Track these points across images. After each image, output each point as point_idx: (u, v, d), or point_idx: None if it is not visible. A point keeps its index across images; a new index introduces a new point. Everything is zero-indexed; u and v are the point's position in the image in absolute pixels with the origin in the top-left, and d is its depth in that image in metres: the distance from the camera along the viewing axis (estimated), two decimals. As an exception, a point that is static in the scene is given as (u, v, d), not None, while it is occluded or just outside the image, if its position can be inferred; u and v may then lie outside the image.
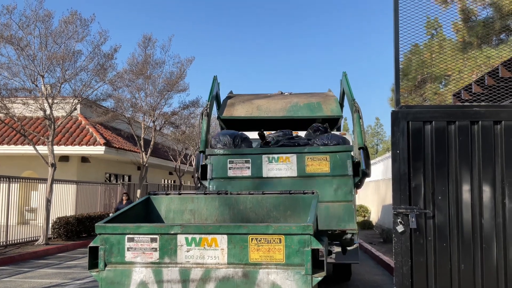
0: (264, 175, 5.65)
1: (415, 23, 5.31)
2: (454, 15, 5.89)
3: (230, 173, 5.78)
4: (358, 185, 7.92)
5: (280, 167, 5.68)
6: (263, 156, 5.77)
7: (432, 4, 5.45)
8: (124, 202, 14.30)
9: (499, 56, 6.23)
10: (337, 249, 7.34)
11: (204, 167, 5.87)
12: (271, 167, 5.69)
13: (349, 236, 5.60)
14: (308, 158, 5.69)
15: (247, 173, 5.70)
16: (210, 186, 5.76)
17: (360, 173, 5.72)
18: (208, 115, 6.62)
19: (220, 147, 6.19)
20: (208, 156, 5.82)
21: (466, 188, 4.98)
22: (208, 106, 7.06)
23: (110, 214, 14.38)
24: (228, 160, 5.79)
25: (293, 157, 5.70)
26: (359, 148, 6.01)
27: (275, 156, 5.72)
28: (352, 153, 5.89)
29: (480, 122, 5.01)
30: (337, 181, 5.60)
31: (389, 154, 14.06)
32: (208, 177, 5.82)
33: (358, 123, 6.13)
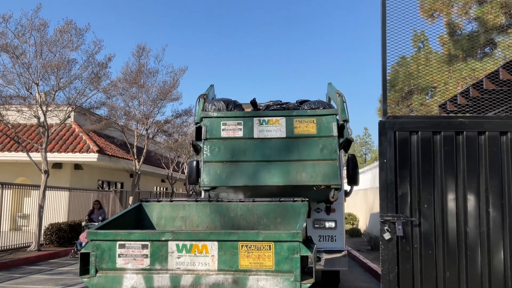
0: (255, 135, 5.94)
1: (402, 36, 5.45)
2: (440, 29, 6.05)
3: (223, 134, 6.04)
4: (346, 193, 8.07)
5: (270, 128, 5.97)
6: (254, 118, 6.05)
7: (419, 17, 5.61)
8: (96, 210, 14.36)
9: (484, 69, 6.39)
10: (326, 256, 7.44)
11: (199, 129, 6.15)
12: (262, 129, 5.98)
13: (332, 193, 5.84)
14: (296, 121, 5.98)
15: (239, 134, 5.98)
16: (204, 146, 5.99)
17: (344, 135, 6.01)
18: (205, 99, 6.80)
19: (215, 110, 6.46)
20: (203, 119, 6.08)
21: (451, 197, 5.11)
22: (204, 94, 7.11)
23: (83, 223, 14.19)
24: (222, 122, 6.06)
25: (282, 120, 5.99)
26: (343, 121, 6.29)
27: (266, 118, 6.01)
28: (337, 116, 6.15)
29: (464, 132, 5.15)
30: (323, 141, 5.88)
31: (377, 163, 14.21)
32: (202, 138, 6.06)
33: (341, 102, 6.33)
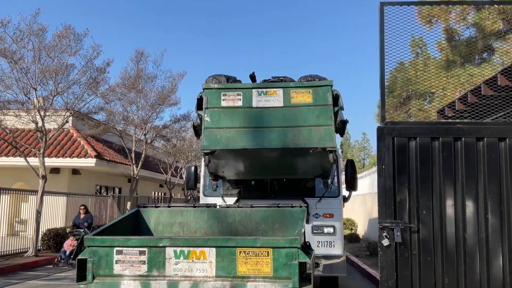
0: (254, 105, 6.19)
1: (401, 41, 5.46)
2: (438, 35, 6.06)
3: (223, 103, 6.26)
4: (345, 198, 8.07)
5: (268, 99, 6.22)
6: (253, 90, 6.29)
7: (417, 23, 5.62)
8: (82, 215, 13.73)
9: (481, 75, 6.40)
10: (324, 261, 7.41)
11: (200, 100, 6.39)
12: (260, 99, 6.23)
13: (331, 156, 6.05)
14: (293, 92, 6.22)
15: (239, 103, 6.22)
16: (205, 114, 6.22)
17: (339, 105, 6.24)
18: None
19: (216, 83, 6.72)
20: (204, 90, 6.37)
21: (449, 203, 5.09)
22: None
23: (67, 230, 13.80)
24: (222, 93, 6.29)
25: (280, 91, 6.23)
26: (341, 122, 6.74)
27: (264, 90, 6.26)
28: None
29: (463, 138, 5.14)
30: (319, 109, 6.09)
31: (375, 168, 14.22)
32: (203, 107, 6.28)
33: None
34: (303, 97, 6.20)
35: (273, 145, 6.00)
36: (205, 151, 6.11)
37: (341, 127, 6.79)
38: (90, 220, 13.69)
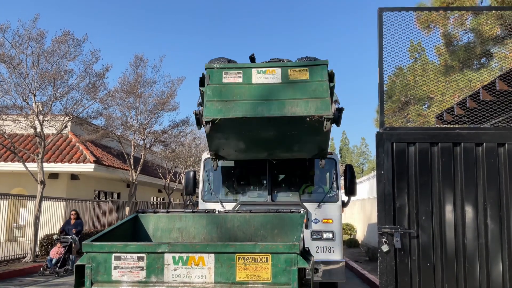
0: (254, 82, 6.55)
1: (399, 47, 5.47)
2: (437, 40, 6.07)
3: (225, 80, 6.60)
4: (344, 204, 8.06)
5: (267, 76, 6.59)
6: (253, 69, 6.65)
7: (415, 29, 5.63)
8: (73, 221, 12.84)
9: (480, 80, 6.41)
10: (323, 267, 7.39)
11: (203, 79, 6.73)
12: (259, 76, 6.58)
13: (328, 124, 6.28)
14: (290, 70, 6.59)
15: (239, 80, 6.58)
16: (207, 89, 6.49)
17: (334, 81, 6.54)
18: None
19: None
20: (206, 69, 6.69)
21: (449, 209, 5.08)
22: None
23: (54, 236, 13.09)
24: (223, 72, 6.65)
25: (278, 70, 6.60)
26: (337, 110, 7.19)
27: (263, 69, 6.62)
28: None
29: (462, 144, 5.14)
30: (315, 84, 6.41)
31: (374, 173, 14.22)
32: (205, 83, 6.58)
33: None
34: (300, 74, 6.54)
35: (272, 113, 6.26)
36: (206, 120, 6.29)
37: (337, 116, 7.12)
38: (79, 227, 12.91)
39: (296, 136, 6.85)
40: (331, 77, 6.52)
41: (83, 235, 15.19)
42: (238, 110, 6.31)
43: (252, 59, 7.39)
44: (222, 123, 6.37)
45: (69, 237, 12.23)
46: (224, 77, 6.61)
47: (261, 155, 7.87)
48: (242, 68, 6.70)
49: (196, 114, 7.17)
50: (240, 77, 6.62)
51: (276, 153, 7.76)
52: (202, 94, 6.74)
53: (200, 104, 6.74)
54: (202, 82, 6.73)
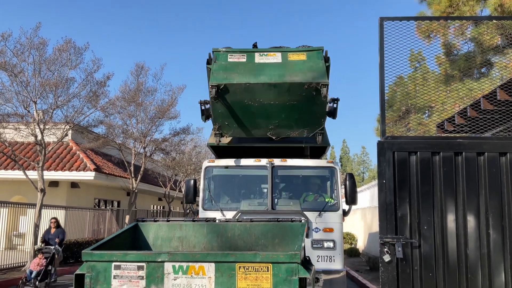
0: (256, 61, 7.29)
1: (400, 56, 5.48)
2: (437, 49, 6.09)
3: (230, 60, 7.35)
4: (344, 212, 8.04)
5: (268, 58, 7.40)
6: (255, 53, 7.45)
7: (416, 38, 5.64)
8: (53, 230, 11.88)
9: (481, 89, 6.41)
10: (324, 276, 7.34)
11: (210, 60, 7.54)
12: (261, 58, 7.38)
13: (324, 90, 6.92)
14: (289, 54, 7.41)
15: (243, 60, 7.35)
16: (214, 66, 7.24)
17: (329, 61, 7.33)
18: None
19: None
20: (214, 52, 7.48)
21: (451, 218, 5.06)
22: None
23: (35, 246, 12.21)
24: (229, 54, 7.41)
25: (279, 54, 7.43)
26: (332, 100, 8.06)
27: (265, 53, 7.47)
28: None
29: (463, 153, 5.13)
30: (312, 62, 7.26)
31: (375, 182, 14.21)
32: (212, 62, 7.36)
33: None
34: (298, 56, 7.41)
35: (273, 80, 6.99)
36: (212, 84, 6.96)
37: (333, 108, 7.98)
38: (61, 236, 11.94)
39: (295, 107, 7.33)
40: (326, 59, 7.31)
41: (72, 244, 15.09)
42: (241, 79, 7.02)
43: (255, 46, 8.11)
44: (226, 89, 7.01)
45: (52, 247, 11.27)
46: (229, 58, 7.37)
47: (262, 131, 8.01)
48: (246, 51, 7.50)
49: (201, 104, 8.07)
50: (244, 58, 7.39)
51: (276, 129, 7.87)
52: (208, 71, 7.45)
53: (207, 69, 7.48)
54: (209, 62, 7.49)
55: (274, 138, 8.00)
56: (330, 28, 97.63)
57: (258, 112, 7.43)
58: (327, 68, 7.18)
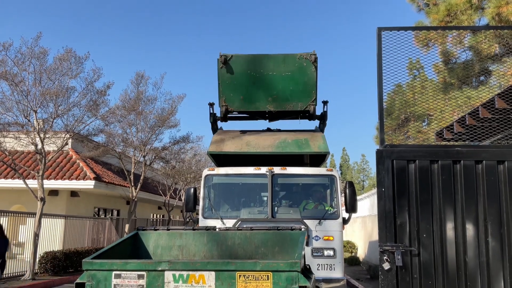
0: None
1: (398, 64, 5.52)
2: (435, 57, 6.13)
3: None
4: (344, 220, 8.04)
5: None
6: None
7: (414, 47, 5.69)
8: None
9: (479, 97, 6.45)
10: (325, 285, 7.33)
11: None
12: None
13: (313, 57, 8.33)
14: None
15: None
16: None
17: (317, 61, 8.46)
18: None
19: None
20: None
21: (450, 226, 5.07)
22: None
23: None
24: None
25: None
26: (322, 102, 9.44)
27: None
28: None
29: (462, 161, 5.15)
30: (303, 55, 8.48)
31: (375, 190, 14.19)
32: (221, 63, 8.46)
33: None
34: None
35: (271, 55, 8.41)
36: (222, 54, 8.30)
37: (322, 113, 9.26)
38: (3, 249, 10.77)
39: (289, 78, 8.44)
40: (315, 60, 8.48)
41: (72, 253, 14.94)
42: (246, 55, 8.47)
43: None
44: (232, 59, 8.33)
45: None
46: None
47: (263, 104, 8.79)
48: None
49: (210, 106, 9.22)
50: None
51: (275, 102, 8.71)
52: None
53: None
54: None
55: (272, 110, 8.87)
56: (329, 38, 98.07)
57: (259, 83, 8.50)
58: (315, 69, 8.46)
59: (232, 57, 8.37)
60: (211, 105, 9.24)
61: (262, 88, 8.54)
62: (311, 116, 9.19)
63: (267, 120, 9.62)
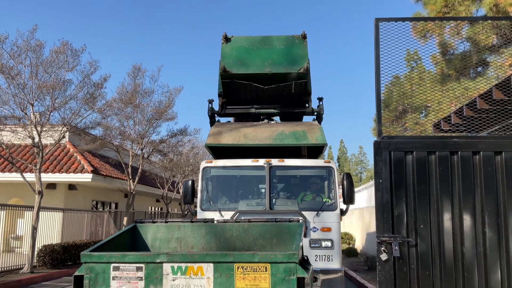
0: None
1: (396, 56, 5.50)
2: (433, 49, 6.12)
3: None
4: (342, 212, 8.07)
5: None
6: None
7: (412, 38, 5.67)
8: None
9: (476, 88, 6.45)
10: (322, 276, 7.37)
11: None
12: None
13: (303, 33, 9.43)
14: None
15: None
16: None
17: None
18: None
19: None
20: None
21: (447, 217, 5.09)
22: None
23: None
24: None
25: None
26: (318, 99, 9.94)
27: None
28: None
29: (459, 152, 5.16)
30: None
31: (372, 182, 14.23)
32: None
33: None
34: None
35: (268, 36, 9.45)
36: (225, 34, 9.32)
37: (318, 110, 9.73)
38: None
39: (284, 49, 9.29)
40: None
41: (70, 246, 15.03)
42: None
43: None
44: (234, 39, 9.37)
45: None
46: None
47: (260, 67, 9.26)
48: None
49: (210, 102, 9.69)
50: None
51: (272, 65, 9.21)
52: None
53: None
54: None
55: (269, 72, 9.18)
56: (326, 29, 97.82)
57: (256, 53, 9.25)
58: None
59: (232, 37, 9.41)
60: (211, 101, 9.75)
61: (259, 57, 9.28)
62: (305, 84, 9.47)
63: (263, 86, 9.77)
